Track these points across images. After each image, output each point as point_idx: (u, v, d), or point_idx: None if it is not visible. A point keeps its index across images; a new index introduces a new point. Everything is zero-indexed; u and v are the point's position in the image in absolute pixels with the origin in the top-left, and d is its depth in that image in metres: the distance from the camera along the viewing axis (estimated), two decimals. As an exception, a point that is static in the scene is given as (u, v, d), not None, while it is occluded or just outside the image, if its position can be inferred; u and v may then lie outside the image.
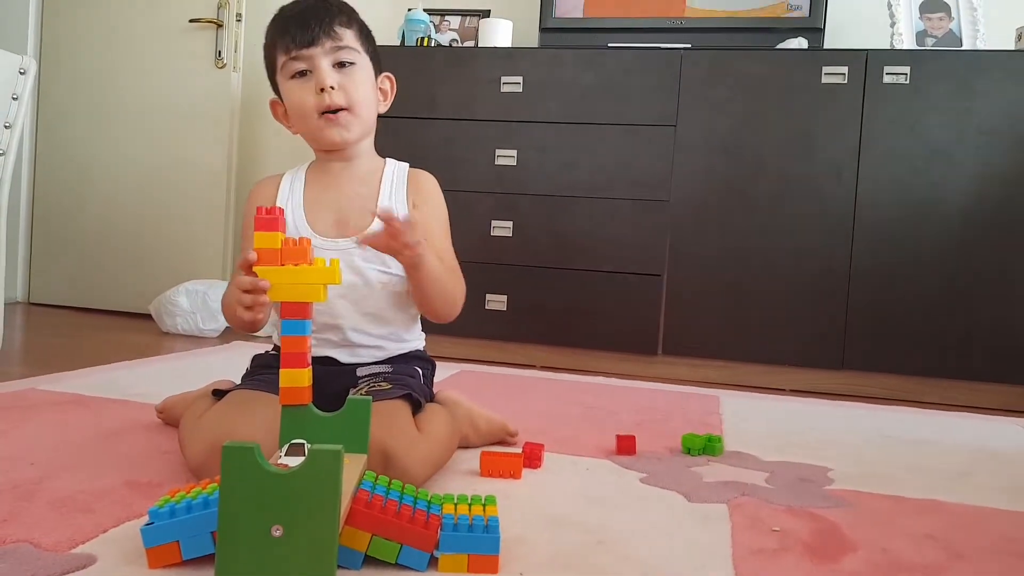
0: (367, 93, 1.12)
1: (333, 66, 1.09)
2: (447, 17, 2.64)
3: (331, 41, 1.08)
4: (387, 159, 1.21)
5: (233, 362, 1.94)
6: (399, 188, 1.17)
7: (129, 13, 2.87)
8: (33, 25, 2.96)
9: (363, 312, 1.13)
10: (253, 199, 1.17)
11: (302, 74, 1.09)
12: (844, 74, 2.06)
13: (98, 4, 2.90)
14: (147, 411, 1.34)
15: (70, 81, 2.94)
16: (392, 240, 0.96)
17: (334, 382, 1.09)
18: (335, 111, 1.09)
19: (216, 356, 2.05)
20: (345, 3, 1.14)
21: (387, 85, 1.19)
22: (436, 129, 2.33)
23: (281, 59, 1.10)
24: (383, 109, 1.18)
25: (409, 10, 2.49)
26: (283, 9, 1.13)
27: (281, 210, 0.83)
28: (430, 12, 2.58)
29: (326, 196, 1.15)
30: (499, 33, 2.40)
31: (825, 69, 2.07)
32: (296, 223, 1.13)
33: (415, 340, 1.20)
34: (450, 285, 1.10)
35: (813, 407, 1.84)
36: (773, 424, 1.59)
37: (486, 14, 2.59)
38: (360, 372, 1.13)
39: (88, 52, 2.92)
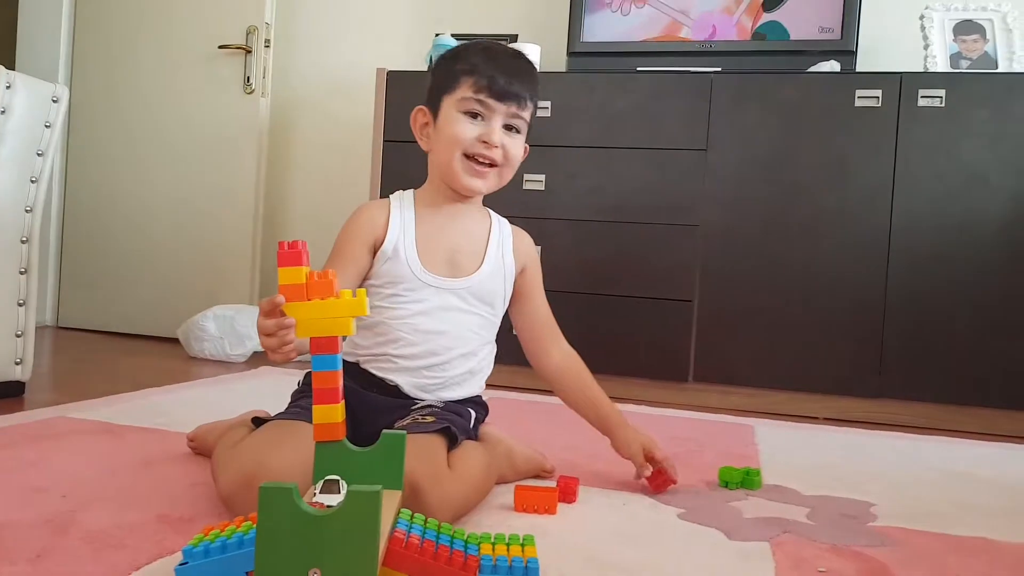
0: (518, 157, 1.15)
1: (503, 126, 1.11)
2: (473, 42, 2.65)
3: (516, 107, 1.10)
4: (489, 210, 1.23)
5: (261, 388, 1.94)
6: (507, 243, 1.21)
7: (159, 40, 2.92)
8: (64, 53, 3.02)
9: (454, 351, 1.13)
10: (360, 221, 1.13)
11: (473, 114, 1.10)
12: (878, 97, 2.03)
13: (128, 32, 2.96)
14: (177, 440, 1.33)
15: (100, 108, 2.99)
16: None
17: (389, 415, 1.09)
18: (487, 164, 1.11)
19: (245, 382, 2.05)
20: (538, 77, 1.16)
21: (523, 154, 1.18)
22: (463, 154, 2.32)
23: (467, 91, 1.09)
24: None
25: (437, 35, 2.51)
26: (495, 48, 1.14)
27: (304, 243, 0.81)
28: (458, 37, 2.59)
29: (439, 235, 1.15)
30: (526, 58, 2.40)
31: (858, 92, 2.04)
32: (408, 260, 1.12)
33: (481, 384, 1.20)
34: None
35: (851, 437, 1.79)
36: (811, 455, 1.55)
37: (514, 39, 2.60)
38: (414, 406, 1.13)
39: (118, 79, 2.97)
